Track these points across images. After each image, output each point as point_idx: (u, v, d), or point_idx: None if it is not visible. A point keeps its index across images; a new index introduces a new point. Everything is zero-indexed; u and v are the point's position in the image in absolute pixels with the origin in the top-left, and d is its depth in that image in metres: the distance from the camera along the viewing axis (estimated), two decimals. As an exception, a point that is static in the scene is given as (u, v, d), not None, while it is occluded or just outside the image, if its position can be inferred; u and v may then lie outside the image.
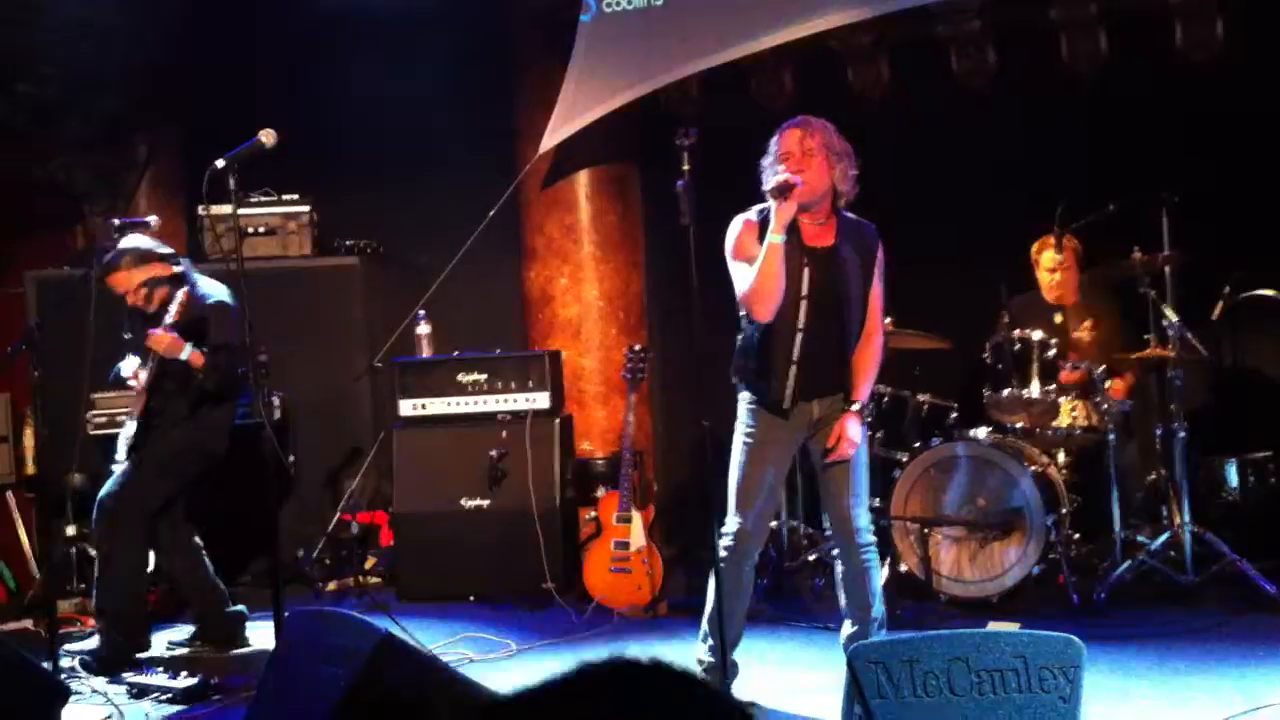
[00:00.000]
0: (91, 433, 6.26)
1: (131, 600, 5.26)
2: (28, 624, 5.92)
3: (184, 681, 4.71)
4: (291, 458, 6.68)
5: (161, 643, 5.44)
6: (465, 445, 6.31)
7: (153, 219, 5.67)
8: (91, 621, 5.81)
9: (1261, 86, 6.08)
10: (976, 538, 5.58)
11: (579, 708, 1.43)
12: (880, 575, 4.36)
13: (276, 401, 6.46)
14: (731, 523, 4.26)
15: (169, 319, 5.09)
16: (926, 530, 5.60)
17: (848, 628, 4.31)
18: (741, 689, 4.28)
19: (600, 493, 6.24)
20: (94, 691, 4.73)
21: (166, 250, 5.42)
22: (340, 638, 3.17)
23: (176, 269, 5.31)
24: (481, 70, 7.21)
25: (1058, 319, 6.07)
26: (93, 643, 5.26)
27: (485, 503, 6.26)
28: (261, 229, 6.98)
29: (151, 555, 5.42)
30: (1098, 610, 5.32)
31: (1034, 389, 5.65)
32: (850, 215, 4.27)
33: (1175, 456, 5.63)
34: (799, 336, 4.16)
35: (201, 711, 4.60)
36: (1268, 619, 5.16)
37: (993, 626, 4.67)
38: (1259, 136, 6.10)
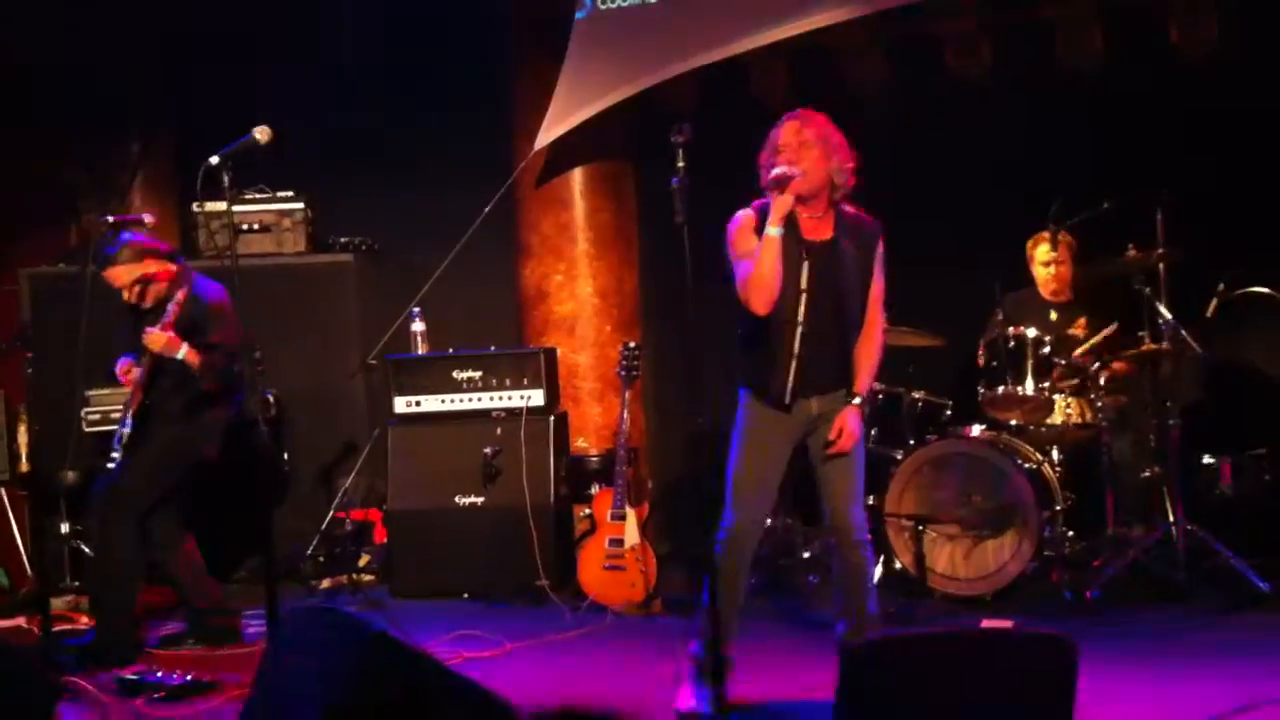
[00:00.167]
0: (86, 429, 6.26)
1: (125, 596, 5.25)
2: (21, 621, 5.91)
3: (177, 679, 4.70)
4: (285, 455, 6.68)
5: (155, 640, 5.43)
6: (460, 442, 6.31)
7: (148, 217, 5.66)
8: (85, 619, 5.82)
9: (1257, 83, 6.09)
10: (970, 535, 5.58)
11: None
12: (875, 573, 4.36)
13: (271, 398, 6.45)
14: (729, 518, 4.26)
15: (166, 318, 5.08)
16: (921, 528, 5.60)
17: (843, 625, 4.32)
18: (734, 686, 4.28)
19: (595, 490, 6.24)
20: (87, 688, 4.72)
21: (166, 247, 5.42)
22: (334, 635, 3.17)
23: (175, 267, 5.31)
24: (476, 67, 7.20)
25: (1052, 316, 6.08)
26: (87, 639, 5.26)
27: (480, 500, 6.26)
28: (256, 226, 6.97)
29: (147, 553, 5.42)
30: (1091, 608, 5.32)
31: (1028, 386, 5.66)
32: (849, 209, 4.27)
33: (1169, 454, 5.64)
34: (798, 330, 4.17)
35: (195, 709, 4.59)
36: (1261, 616, 5.17)
37: (986, 624, 4.67)
38: (1254, 134, 6.11)
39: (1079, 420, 5.77)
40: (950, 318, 6.13)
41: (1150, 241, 5.62)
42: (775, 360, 4.19)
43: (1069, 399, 5.76)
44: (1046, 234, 5.98)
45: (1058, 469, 5.80)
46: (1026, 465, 5.62)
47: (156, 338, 5.06)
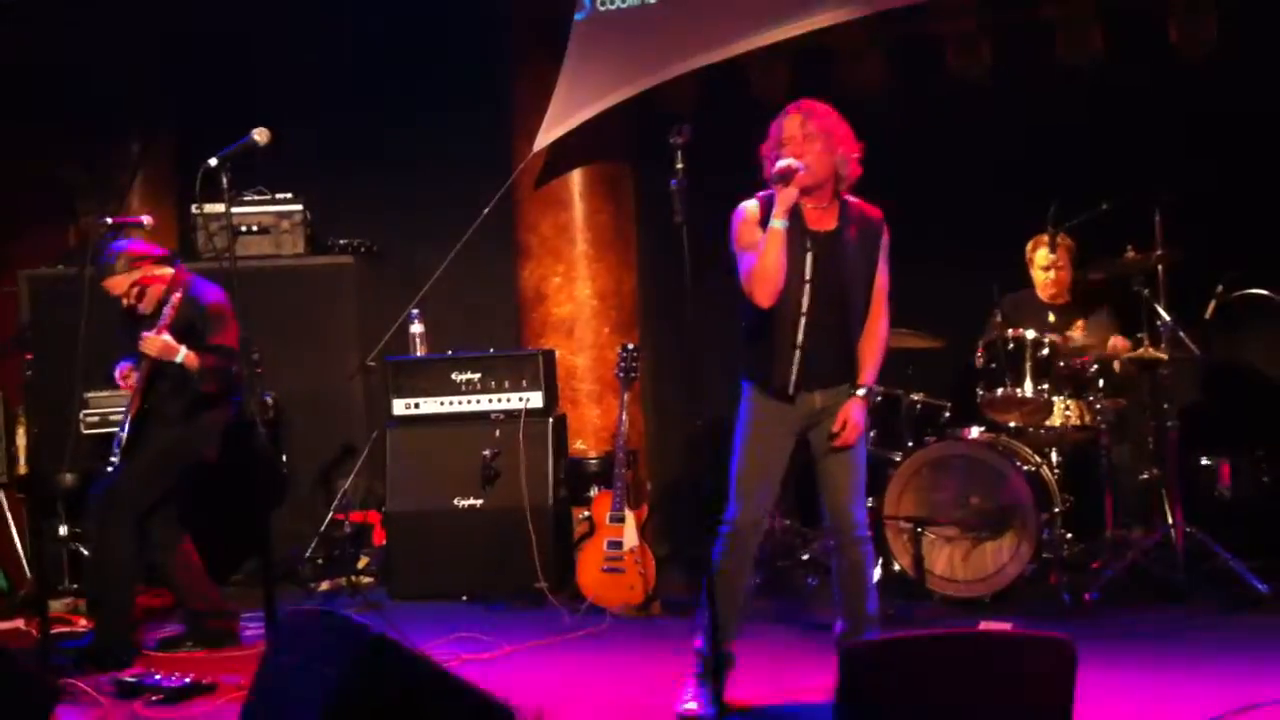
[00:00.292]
0: (85, 432, 6.26)
1: (123, 599, 5.25)
2: (19, 623, 5.91)
3: (175, 681, 4.70)
4: (284, 457, 6.68)
5: (153, 642, 5.42)
6: (458, 444, 6.30)
7: (146, 219, 5.65)
8: (83, 621, 5.81)
9: (1256, 84, 6.09)
10: (969, 537, 5.58)
11: None
12: (875, 573, 4.35)
13: (269, 400, 6.46)
14: (732, 512, 4.24)
15: (162, 321, 5.08)
16: (919, 529, 5.61)
17: (841, 625, 4.31)
18: (733, 687, 4.28)
19: (593, 492, 6.24)
20: (86, 690, 4.72)
21: (161, 251, 5.42)
22: (332, 637, 3.17)
23: (171, 270, 5.30)
24: (476, 68, 7.20)
25: (1051, 318, 6.08)
26: (85, 642, 5.25)
27: (478, 502, 6.26)
28: (255, 227, 6.97)
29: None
30: (1090, 610, 5.32)
31: (1027, 388, 5.66)
32: (854, 200, 4.26)
33: (1167, 456, 5.64)
34: (802, 321, 4.15)
35: (193, 711, 4.58)
36: (1260, 618, 5.16)
37: (985, 626, 4.67)
38: (1254, 135, 6.12)
39: (1078, 422, 5.77)
40: (949, 319, 6.13)
41: (1149, 243, 5.62)
42: (778, 352, 4.17)
43: (1068, 401, 5.75)
44: (1045, 237, 5.98)
45: (1056, 471, 5.80)
46: (1025, 467, 5.62)
47: (153, 342, 5.06)
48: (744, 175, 4.27)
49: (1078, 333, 5.93)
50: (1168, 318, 5.58)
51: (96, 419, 6.32)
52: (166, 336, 5.06)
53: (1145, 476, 5.91)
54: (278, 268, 6.89)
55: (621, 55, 6.71)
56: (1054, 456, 5.89)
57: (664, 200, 3.99)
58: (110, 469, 5.22)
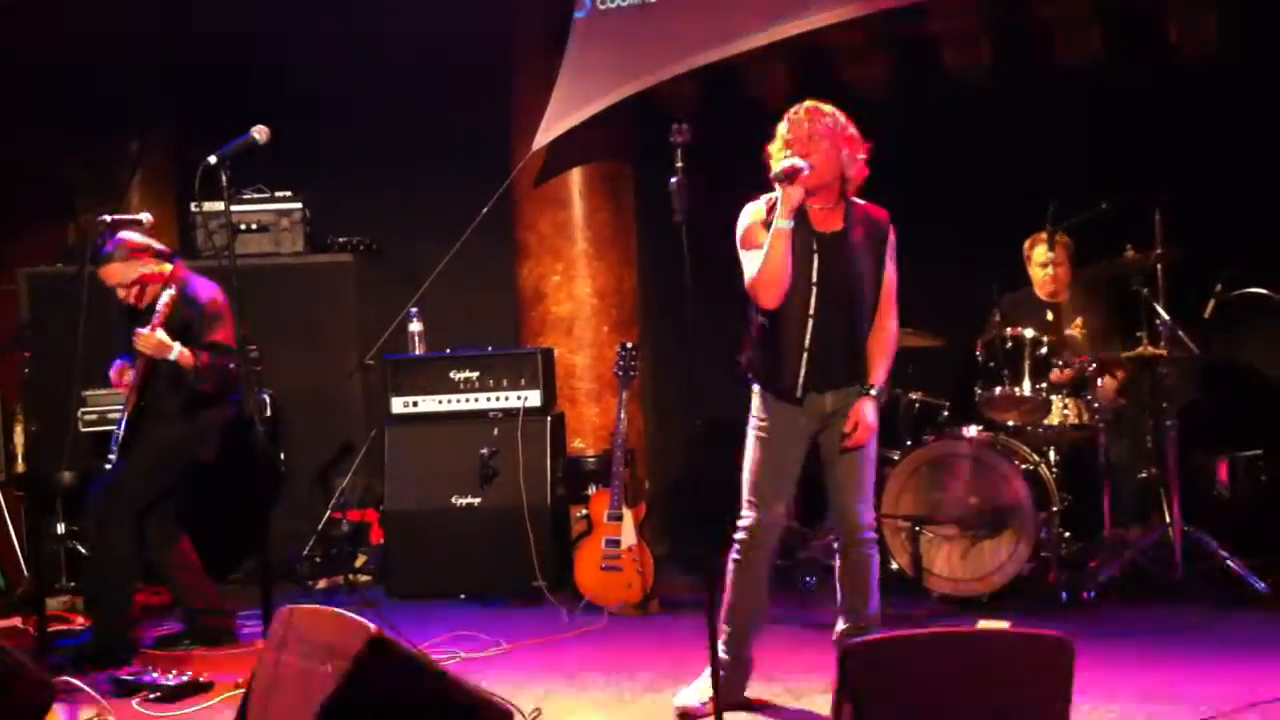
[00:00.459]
0: (83, 430, 6.26)
1: (121, 597, 5.25)
2: (17, 621, 5.90)
3: (173, 679, 4.70)
4: (282, 455, 6.67)
5: (151, 640, 5.42)
6: (457, 443, 6.30)
7: (145, 216, 5.65)
8: (81, 619, 5.81)
9: (1256, 84, 6.09)
10: (967, 536, 5.58)
11: None
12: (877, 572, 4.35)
13: (268, 398, 6.46)
14: (747, 516, 4.22)
15: (155, 318, 5.07)
16: (918, 528, 5.61)
17: (841, 624, 4.31)
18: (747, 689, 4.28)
19: (592, 490, 6.24)
20: (83, 688, 4.71)
21: (161, 247, 5.41)
22: (330, 636, 3.17)
23: (169, 267, 5.30)
24: (475, 66, 7.20)
25: (1050, 316, 6.08)
26: (83, 640, 5.25)
27: (476, 500, 6.26)
28: (254, 225, 6.97)
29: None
30: (1088, 608, 5.33)
31: (1025, 387, 5.66)
32: (860, 200, 4.25)
33: (1166, 454, 5.64)
34: (809, 323, 4.13)
35: (190, 709, 4.58)
36: (1258, 616, 5.17)
37: (983, 625, 4.66)
38: (1253, 135, 6.12)
39: (1076, 421, 5.77)
40: (948, 318, 6.13)
41: (1148, 242, 5.62)
42: (785, 354, 4.15)
43: (1066, 400, 5.76)
44: (1044, 235, 5.98)
45: (1055, 470, 5.80)
46: (1024, 466, 5.62)
47: (147, 340, 5.05)
48: (744, 175, 4.26)
49: (1077, 331, 5.93)
50: (1167, 317, 5.58)
51: (95, 417, 6.32)
52: (160, 333, 5.05)
53: (1143, 475, 5.92)
54: (277, 266, 6.90)
55: (622, 54, 6.71)
56: (1052, 455, 5.89)
57: (664, 199, 3.98)
58: (108, 467, 5.21)
